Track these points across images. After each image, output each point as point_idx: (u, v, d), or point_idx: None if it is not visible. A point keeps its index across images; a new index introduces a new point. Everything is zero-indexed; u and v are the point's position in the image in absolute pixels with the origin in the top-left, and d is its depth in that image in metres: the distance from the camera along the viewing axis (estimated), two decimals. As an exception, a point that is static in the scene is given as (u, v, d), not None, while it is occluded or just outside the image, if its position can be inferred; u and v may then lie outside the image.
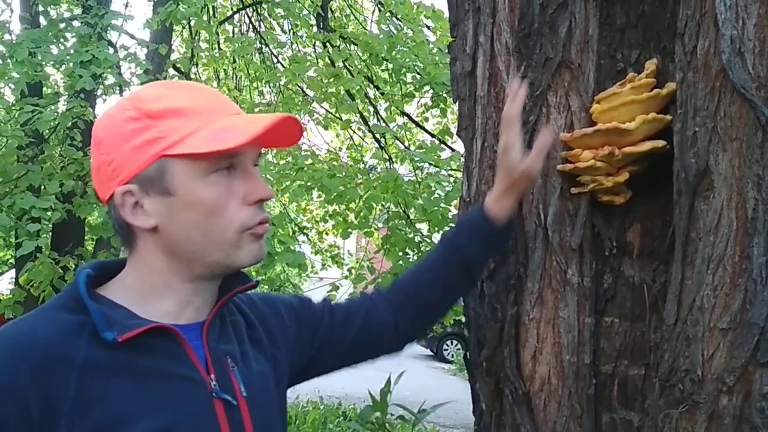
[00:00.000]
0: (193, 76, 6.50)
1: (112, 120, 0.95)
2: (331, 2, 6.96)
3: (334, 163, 4.84)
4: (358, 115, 5.95)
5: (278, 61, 7.17)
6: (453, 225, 1.31)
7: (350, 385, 9.61)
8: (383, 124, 5.88)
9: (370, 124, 6.06)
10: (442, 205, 4.25)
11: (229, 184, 0.93)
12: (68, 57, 4.65)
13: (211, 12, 6.78)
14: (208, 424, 0.90)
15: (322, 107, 5.65)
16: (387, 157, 5.38)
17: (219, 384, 0.93)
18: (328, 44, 6.13)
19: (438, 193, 4.42)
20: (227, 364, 0.96)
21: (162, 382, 0.89)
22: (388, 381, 2.68)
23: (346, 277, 5.53)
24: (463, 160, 1.60)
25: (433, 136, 5.67)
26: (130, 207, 0.94)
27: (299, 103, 5.32)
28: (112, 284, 0.97)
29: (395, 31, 5.68)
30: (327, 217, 5.84)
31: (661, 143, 1.24)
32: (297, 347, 1.13)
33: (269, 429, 1.00)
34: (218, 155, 0.90)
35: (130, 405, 0.86)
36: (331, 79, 4.98)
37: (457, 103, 1.61)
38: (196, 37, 6.70)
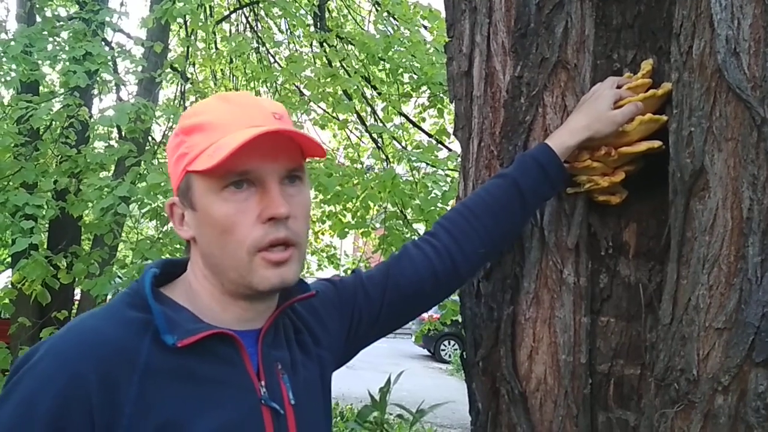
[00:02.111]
0: (189, 75, 6.49)
1: (173, 133, 0.98)
2: (328, 2, 6.96)
3: (331, 163, 4.84)
4: (356, 115, 5.95)
5: (275, 61, 7.16)
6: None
7: (347, 385, 9.61)
8: (380, 124, 5.88)
9: (368, 124, 6.06)
10: (439, 204, 4.26)
11: (242, 201, 0.91)
12: (62, 53, 4.64)
13: (207, 11, 6.77)
14: (254, 430, 0.91)
15: (319, 107, 5.64)
16: (384, 157, 5.38)
17: (268, 391, 0.94)
18: (325, 44, 6.13)
19: (435, 193, 4.43)
20: (278, 372, 0.97)
21: (216, 388, 0.90)
22: (388, 381, 2.68)
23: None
24: (460, 159, 1.60)
25: (430, 136, 5.67)
26: (178, 218, 0.97)
27: (296, 103, 5.32)
28: (176, 284, 0.99)
29: (392, 31, 5.68)
30: (324, 218, 5.84)
31: (657, 143, 1.24)
32: (337, 338, 1.13)
33: None
34: (225, 171, 0.89)
35: (184, 409, 0.86)
36: (328, 79, 4.98)
37: (453, 103, 1.61)
38: (193, 37, 6.69)
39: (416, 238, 1.30)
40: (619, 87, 1.28)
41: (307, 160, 1.01)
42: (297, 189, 0.95)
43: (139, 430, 0.83)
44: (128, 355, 0.85)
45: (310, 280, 1.18)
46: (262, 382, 0.94)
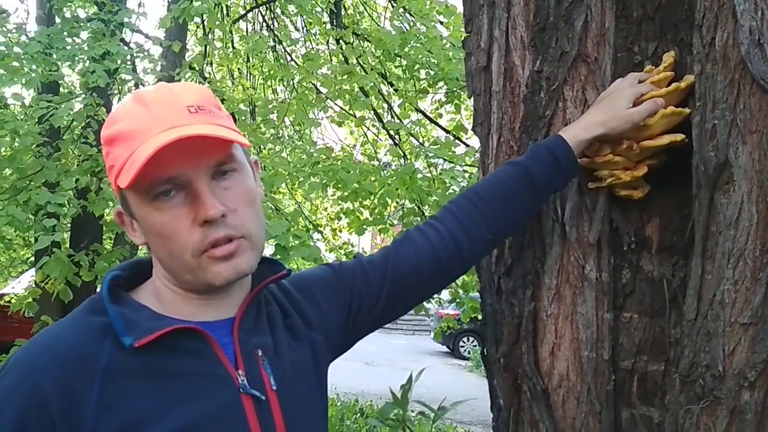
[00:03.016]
0: (207, 75, 6.53)
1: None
2: (344, -1, 6.96)
3: (348, 160, 4.84)
4: (372, 111, 5.95)
5: (292, 59, 7.18)
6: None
7: (366, 381, 9.66)
8: (397, 121, 5.87)
9: (384, 120, 6.06)
10: (457, 201, 4.23)
11: (174, 208, 0.89)
12: (81, 53, 4.69)
13: (224, 11, 6.80)
14: (235, 420, 0.90)
15: (336, 104, 5.65)
16: (401, 154, 5.38)
17: (248, 379, 0.93)
18: (341, 41, 6.13)
19: (453, 189, 4.41)
20: (257, 358, 0.96)
21: (186, 382, 0.89)
22: (410, 378, 2.67)
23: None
24: (477, 155, 1.60)
25: (447, 132, 5.66)
26: (129, 225, 0.97)
27: (313, 101, 5.33)
28: (145, 285, 0.99)
29: (408, 27, 5.67)
30: (341, 215, 5.85)
31: (679, 137, 1.23)
32: (334, 322, 1.11)
33: (303, 420, 0.98)
34: (148, 182, 0.87)
35: (151, 406, 0.86)
36: (345, 77, 4.98)
37: (471, 99, 1.60)
38: (210, 36, 6.72)
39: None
40: (641, 82, 1.27)
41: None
42: (232, 180, 0.92)
43: (103, 431, 0.84)
44: (88, 360, 0.86)
45: (310, 268, 1.18)
46: (240, 371, 0.93)
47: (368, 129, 6.70)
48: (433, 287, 1.25)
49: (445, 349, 15.04)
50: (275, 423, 0.93)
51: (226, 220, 0.90)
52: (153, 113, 0.89)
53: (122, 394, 0.86)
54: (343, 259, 7.09)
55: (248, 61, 7.19)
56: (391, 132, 5.88)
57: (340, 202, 5.28)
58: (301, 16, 6.74)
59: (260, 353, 0.96)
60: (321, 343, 1.07)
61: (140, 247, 5.79)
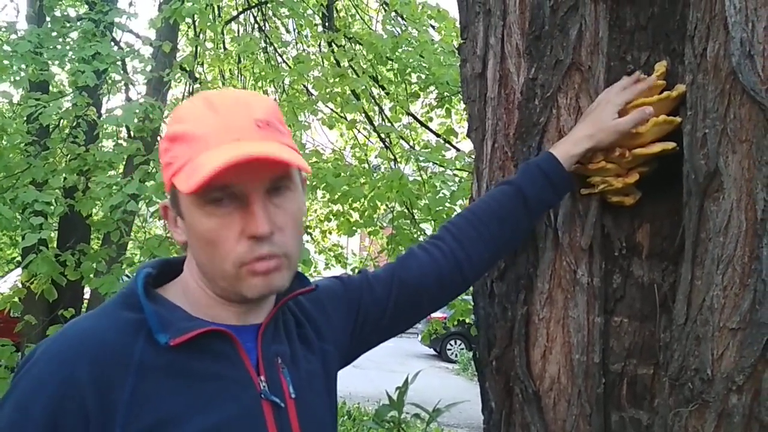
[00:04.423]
0: (198, 75, 6.52)
1: (163, 136, 0.97)
2: (337, 2, 6.97)
3: (339, 162, 4.85)
4: (363, 114, 5.95)
5: (283, 61, 7.17)
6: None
7: (354, 384, 9.63)
8: (388, 124, 5.88)
9: (375, 123, 6.06)
10: (447, 204, 4.26)
11: (225, 216, 0.88)
12: (71, 52, 4.66)
13: (216, 12, 6.79)
14: (255, 425, 0.91)
15: (327, 107, 5.65)
16: (392, 157, 5.39)
17: (268, 385, 0.94)
18: (333, 44, 6.14)
19: (443, 193, 4.43)
20: (278, 366, 0.97)
21: (213, 384, 0.90)
22: (406, 381, 2.70)
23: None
24: (468, 159, 1.62)
25: (438, 135, 5.68)
26: (172, 220, 0.97)
27: (304, 103, 5.33)
28: (174, 284, 0.99)
29: (400, 31, 5.69)
30: (331, 216, 5.85)
31: (671, 145, 1.25)
32: (342, 333, 1.13)
33: (317, 429, 1.00)
34: (205, 187, 0.85)
35: (180, 406, 0.87)
36: (336, 79, 4.98)
37: (466, 105, 1.62)
38: (201, 37, 6.71)
39: (423, 238, 1.32)
40: (626, 89, 1.29)
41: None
42: (284, 198, 0.92)
43: (135, 428, 0.84)
44: (122, 356, 0.87)
45: (317, 279, 1.20)
46: (262, 377, 0.94)
47: (359, 132, 6.71)
48: (438, 302, 1.27)
49: (432, 352, 15.04)
50: (292, 430, 0.94)
51: (272, 238, 0.89)
52: (222, 120, 0.88)
53: (154, 391, 0.86)
54: (333, 261, 7.09)
55: (239, 62, 7.18)
56: (382, 135, 5.88)
57: (329, 204, 5.28)
58: (292, 18, 6.74)
59: (280, 361, 0.98)
60: (331, 354, 1.09)
61: (128, 249, 5.76)
